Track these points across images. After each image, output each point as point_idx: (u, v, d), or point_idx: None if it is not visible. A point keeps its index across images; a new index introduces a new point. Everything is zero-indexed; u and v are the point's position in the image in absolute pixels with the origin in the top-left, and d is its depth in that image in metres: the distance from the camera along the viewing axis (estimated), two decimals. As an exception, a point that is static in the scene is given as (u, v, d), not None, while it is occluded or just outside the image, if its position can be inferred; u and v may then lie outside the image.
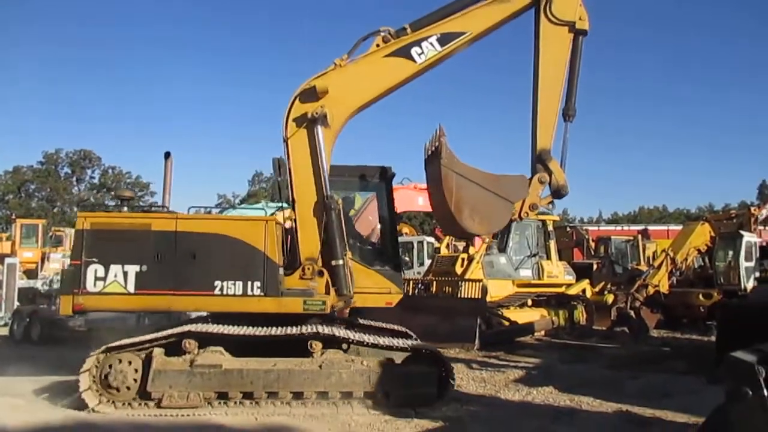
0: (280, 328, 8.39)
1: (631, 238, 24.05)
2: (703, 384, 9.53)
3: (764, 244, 21.96)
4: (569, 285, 17.40)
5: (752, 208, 22.68)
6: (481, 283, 14.32)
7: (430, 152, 9.46)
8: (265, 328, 8.42)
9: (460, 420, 7.81)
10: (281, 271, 8.81)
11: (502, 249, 16.37)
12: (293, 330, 8.33)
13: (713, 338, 13.55)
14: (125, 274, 8.30)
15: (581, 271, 19.07)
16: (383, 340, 8.67)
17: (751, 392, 3.37)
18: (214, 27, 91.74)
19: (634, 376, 10.82)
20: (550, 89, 9.43)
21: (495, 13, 9.42)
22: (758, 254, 18.61)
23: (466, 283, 14.66)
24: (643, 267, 19.92)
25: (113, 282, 8.29)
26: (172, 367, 7.96)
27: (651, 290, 17.32)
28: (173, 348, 8.15)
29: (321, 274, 8.86)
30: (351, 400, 8.10)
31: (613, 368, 11.71)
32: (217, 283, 8.43)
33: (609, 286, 18.50)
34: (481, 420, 7.83)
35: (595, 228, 36.62)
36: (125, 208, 9.34)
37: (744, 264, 17.55)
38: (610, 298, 17.50)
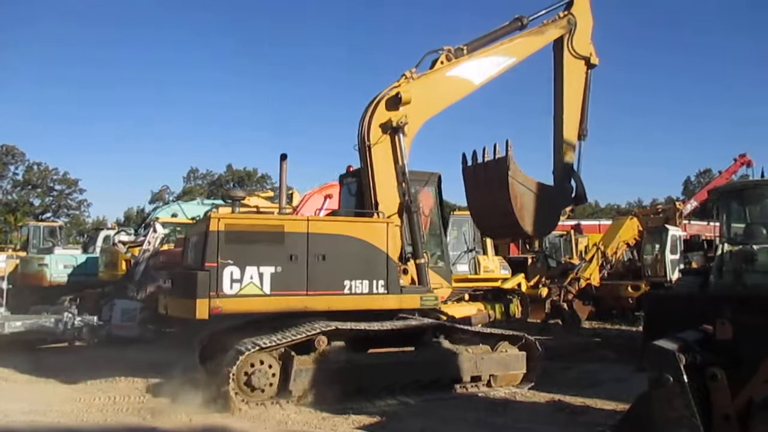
0: (410, 320, 9.02)
1: (565, 232, 24.64)
2: (631, 372, 9.86)
3: (688, 237, 22.99)
4: (505, 279, 17.68)
5: (677, 203, 23.70)
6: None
7: (481, 161, 10.17)
8: (398, 322, 8.84)
9: (396, 414, 7.79)
10: None
11: (440, 244, 16.46)
12: (424, 322, 9.02)
13: (641, 328, 14.03)
14: (261, 275, 8.21)
15: (517, 266, 19.42)
16: (489, 330, 9.61)
17: (671, 378, 3.45)
18: (137, 25, 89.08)
19: (566, 367, 11.08)
20: (573, 111, 11.09)
21: (535, 43, 10.95)
22: (683, 247, 19.46)
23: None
24: (576, 261, 20.47)
25: (249, 284, 8.15)
26: (312, 365, 8.01)
27: (583, 283, 17.81)
28: (297, 346, 8.16)
29: (405, 272, 9.24)
30: (281, 400, 7.99)
31: (546, 359, 11.89)
32: (347, 282, 8.65)
33: (543, 279, 18.86)
34: (417, 413, 7.82)
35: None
36: (237, 209, 9.13)
37: (669, 257, 18.32)
38: (544, 292, 17.82)
